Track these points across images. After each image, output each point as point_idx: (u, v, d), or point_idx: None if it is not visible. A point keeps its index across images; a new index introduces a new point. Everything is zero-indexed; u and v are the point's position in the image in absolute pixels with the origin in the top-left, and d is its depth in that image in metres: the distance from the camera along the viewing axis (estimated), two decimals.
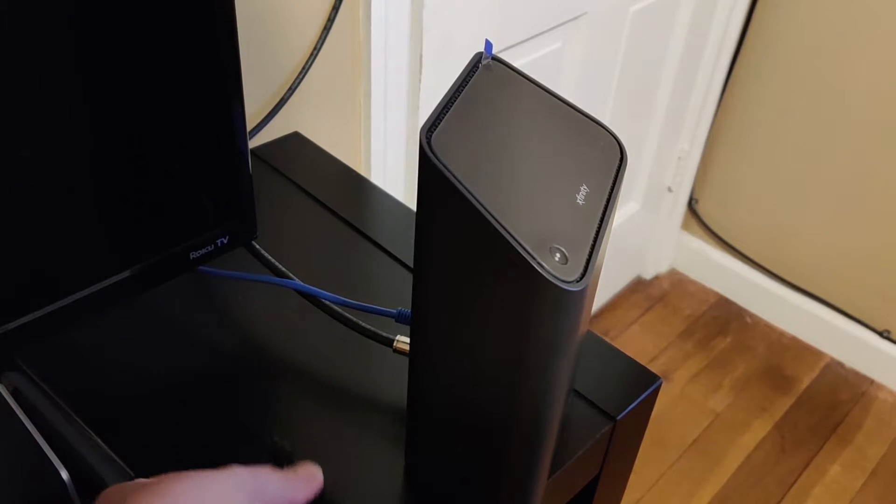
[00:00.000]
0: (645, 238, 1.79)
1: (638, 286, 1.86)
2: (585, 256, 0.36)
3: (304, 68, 0.83)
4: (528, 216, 0.35)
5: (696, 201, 1.81)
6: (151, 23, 0.42)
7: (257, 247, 0.55)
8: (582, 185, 0.39)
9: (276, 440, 0.49)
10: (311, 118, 0.88)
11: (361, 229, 0.66)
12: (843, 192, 1.57)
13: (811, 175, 1.60)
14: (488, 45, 0.41)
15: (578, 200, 0.38)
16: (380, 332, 0.52)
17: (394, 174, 1.00)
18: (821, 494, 1.46)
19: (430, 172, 0.34)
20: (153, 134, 0.46)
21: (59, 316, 0.46)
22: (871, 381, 1.68)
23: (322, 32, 0.83)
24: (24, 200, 0.42)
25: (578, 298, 0.35)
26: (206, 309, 0.58)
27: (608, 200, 0.40)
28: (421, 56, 0.92)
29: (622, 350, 0.57)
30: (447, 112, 0.37)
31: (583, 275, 0.35)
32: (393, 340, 0.52)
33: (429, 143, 0.35)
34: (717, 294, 1.85)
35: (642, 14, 1.30)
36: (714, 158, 1.73)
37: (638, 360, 0.57)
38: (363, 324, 0.53)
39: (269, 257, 0.55)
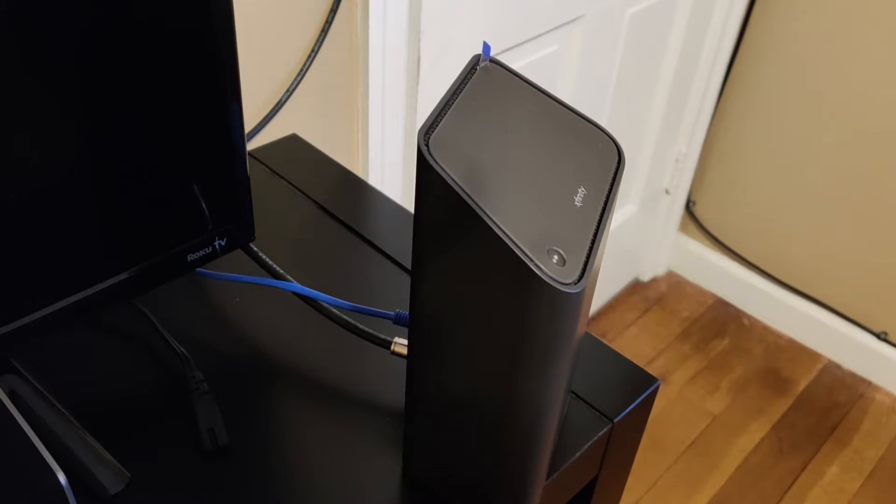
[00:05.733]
0: (642, 240, 1.80)
1: (635, 288, 1.86)
2: (583, 258, 0.36)
3: (301, 70, 0.83)
4: (525, 218, 0.35)
5: (694, 203, 1.81)
6: (150, 25, 0.42)
7: (255, 249, 0.55)
8: (579, 188, 0.39)
9: (212, 428, 0.49)
10: (308, 120, 0.88)
11: (359, 231, 0.66)
12: (840, 195, 1.57)
13: (808, 177, 1.60)
14: (486, 47, 0.41)
15: (576, 203, 0.38)
16: (378, 334, 0.52)
17: (392, 176, 1.00)
18: (818, 496, 1.46)
19: (428, 175, 0.34)
20: (151, 136, 0.46)
21: (57, 318, 0.46)
22: (869, 383, 1.69)
23: (320, 34, 0.83)
24: (22, 202, 0.42)
25: (576, 300, 0.35)
26: (203, 312, 0.58)
27: (606, 203, 0.40)
28: (419, 58, 0.92)
29: (620, 352, 0.57)
30: (445, 114, 0.37)
31: (580, 277, 0.35)
32: (391, 343, 0.52)
33: (427, 146, 0.35)
34: (714, 296, 1.85)
35: (639, 17, 1.31)
36: (711, 161, 1.73)
37: (635, 362, 0.57)
38: (361, 326, 0.53)
39: (267, 259, 0.55)
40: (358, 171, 0.97)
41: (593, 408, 0.53)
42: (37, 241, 0.43)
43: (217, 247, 0.53)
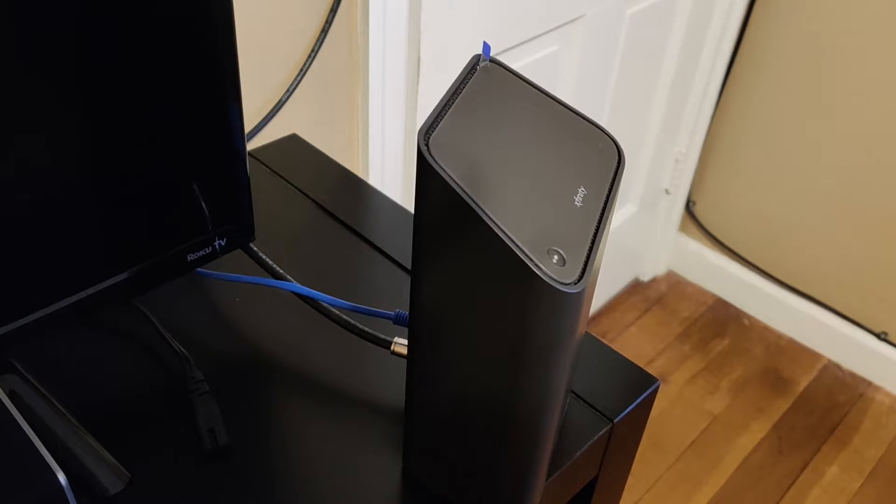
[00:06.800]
0: (642, 240, 1.80)
1: (635, 288, 1.86)
2: (583, 258, 0.36)
3: (301, 70, 0.83)
4: (525, 218, 0.35)
5: (694, 203, 1.81)
6: (150, 25, 0.42)
7: (255, 249, 0.55)
8: (580, 188, 0.39)
9: (212, 428, 0.49)
10: (308, 120, 0.88)
11: (359, 231, 0.66)
12: (840, 194, 1.57)
13: (808, 177, 1.60)
14: (486, 47, 0.41)
15: (576, 203, 0.38)
16: (377, 334, 0.52)
17: (392, 176, 1.00)
18: (818, 496, 1.46)
19: (428, 175, 0.34)
20: (151, 136, 0.46)
21: (57, 318, 0.46)
22: (869, 383, 1.69)
23: (320, 34, 0.83)
24: (21, 202, 0.42)
25: (576, 300, 0.35)
26: (203, 311, 0.58)
27: (606, 202, 0.40)
28: (419, 58, 0.92)
29: (620, 352, 0.57)
30: (445, 114, 0.37)
31: (580, 277, 0.35)
32: (391, 343, 0.52)
33: (426, 146, 0.35)
34: (714, 296, 1.85)
35: (639, 16, 1.31)
36: (711, 161, 1.73)
37: (636, 362, 0.57)
38: (361, 326, 0.53)
39: (267, 259, 0.55)
40: (358, 171, 0.97)
41: (593, 408, 0.53)
42: (37, 241, 0.43)
43: (217, 247, 0.53)
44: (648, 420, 0.57)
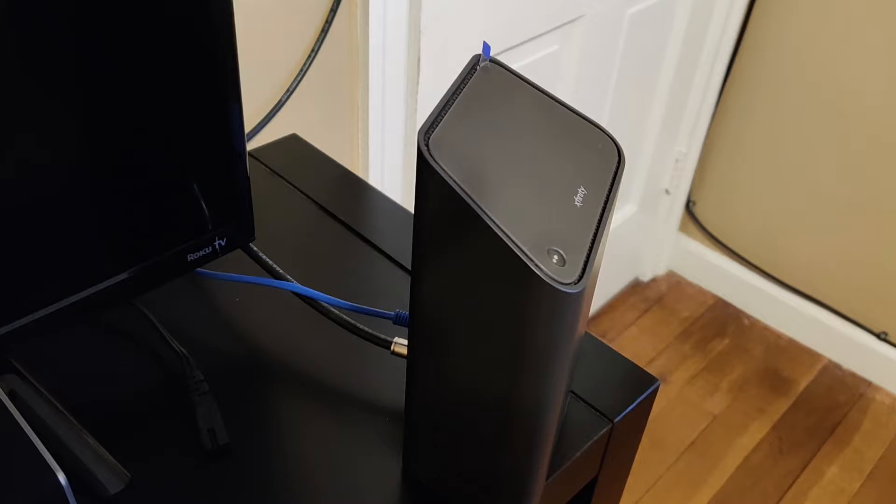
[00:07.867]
0: (642, 240, 1.80)
1: (635, 288, 1.86)
2: (583, 258, 0.36)
3: (301, 70, 0.83)
4: (525, 218, 0.35)
5: (694, 203, 1.81)
6: (150, 25, 0.42)
7: (255, 249, 0.55)
8: (580, 188, 0.39)
9: (212, 428, 0.49)
10: (308, 120, 0.88)
11: (359, 231, 0.66)
12: (840, 195, 1.57)
13: (808, 177, 1.60)
14: (486, 47, 0.41)
15: (576, 203, 0.38)
16: (378, 334, 0.52)
17: (391, 176, 1.00)
18: (818, 496, 1.46)
19: (428, 175, 0.34)
20: (151, 136, 0.46)
21: (57, 318, 0.46)
22: (869, 383, 1.69)
23: (320, 34, 0.83)
24: (22, 202, 0.42)
25: (576, 300, 0.35)
26: (203, 311, 0.58)
27: (606, 202, 0.40)
28: (419, 58, 0.92)
29: (620, 352, 0.57)
30: (445, 114, 0.37)
31: (580, 277, 0.35)
32: (391, 343, 0.52)
33: (426, 146, 0.35)
34: (714, 296, 1.85)
35: (639, 17, 1.31)
36: (711, 161, 1.73)
37: (635, 362, 0.57)
38: (361, 326, 0.53)
39: (267, 259, 0.55)
40: (358, 171, 0.97)
41: (593, 408, 0.53)
42: (37, 240, 0.43)
43: (217, 247, 0.53)
44: (648, 420, 0.57)
